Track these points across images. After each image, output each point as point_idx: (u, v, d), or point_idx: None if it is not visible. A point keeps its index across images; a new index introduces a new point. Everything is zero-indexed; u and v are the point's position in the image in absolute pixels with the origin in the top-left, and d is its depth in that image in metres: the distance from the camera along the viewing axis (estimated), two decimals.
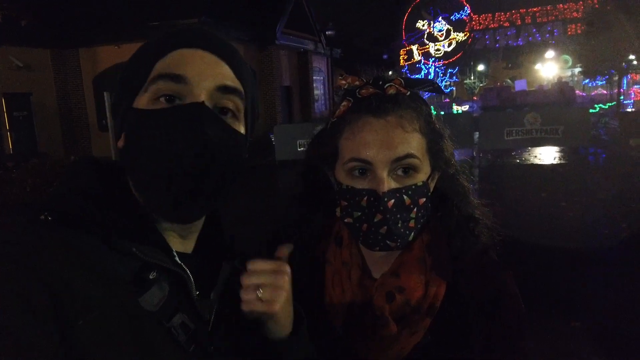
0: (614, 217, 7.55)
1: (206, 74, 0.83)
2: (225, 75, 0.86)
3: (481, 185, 10.41)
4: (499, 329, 0.99)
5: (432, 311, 1.01)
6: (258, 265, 0.91)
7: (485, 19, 42.07)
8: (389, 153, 0.95)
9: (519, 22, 41.37)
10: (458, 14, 41.39)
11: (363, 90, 1.01)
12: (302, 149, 13.81)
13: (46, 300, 0.66)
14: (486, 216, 1.10)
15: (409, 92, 1.01)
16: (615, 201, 8.38)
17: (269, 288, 0.88)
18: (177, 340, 0.80)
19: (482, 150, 14.22)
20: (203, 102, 0.81)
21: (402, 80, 1.01)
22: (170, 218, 0.85)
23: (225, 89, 0.85)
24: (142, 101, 0.82)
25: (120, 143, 0.86)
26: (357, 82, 1.02)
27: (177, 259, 0.84)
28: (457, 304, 1.02)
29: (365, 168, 0.97)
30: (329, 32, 24.77)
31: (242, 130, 0.90)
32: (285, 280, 0.91)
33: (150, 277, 0.79)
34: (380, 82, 1.01)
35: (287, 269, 0.93)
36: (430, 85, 1.05)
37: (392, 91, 1.00)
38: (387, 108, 0.97)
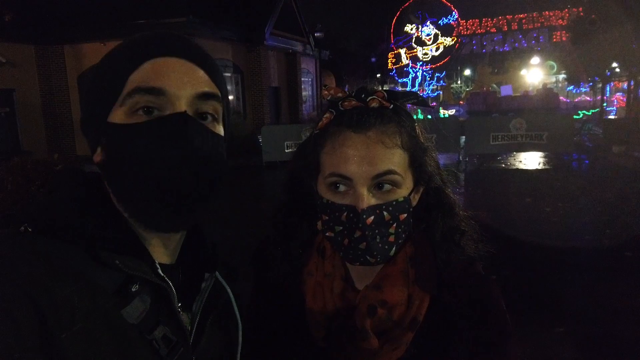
0: (597, 223, 7.66)
1: (184, 83, 0.82)
2: (202, 81, 0.85)
3: (467, 190, 10.50)
4: (484, 342, 0.98)
5: (415, 325, 0.99)
6: None
7: (473, 25, 42.49)
8: (369, 169, 0.93)
9: (505, 28, 41.84)
10: (446, 19, 41.72)
11: (345, 103, 0.99)
12: (289, 150, 13.81)
13: (30, 313, 0.66)
14: (472, 228, 1.08)
15: (392, 106, 0.99)
16: (598, 207, 8.50)
17: None
18: (158, 353, 0.80)
19: (468, 155, 14.35)
20: (185, 111, 0.80)
21: (385, 93, 0.98)
22: (159, 228, 0.84)
23: (204, 96, 0.84)
24: (119, 115, 0.81)
25: (98, 158, 0.84)
26: (340, 94, 1.00)
27: (159, 271, 0.83)
28: (441, 317, 1.00)
29: (345, 183, 0.95)
30: (318, 34, 24.75)
31: (222, 132, 0.90)
32: None
33: (133, 289, 0.78)
34: (363, 95, 0.98)
35: None
36: (414, 97, 1.02)
37: (374, 104, 0.97)
38: (369, 122, 0.95)
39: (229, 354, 0.97)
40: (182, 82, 0.82)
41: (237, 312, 0.99)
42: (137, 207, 0.81)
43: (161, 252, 0.88)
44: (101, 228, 0.78)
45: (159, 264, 0.84)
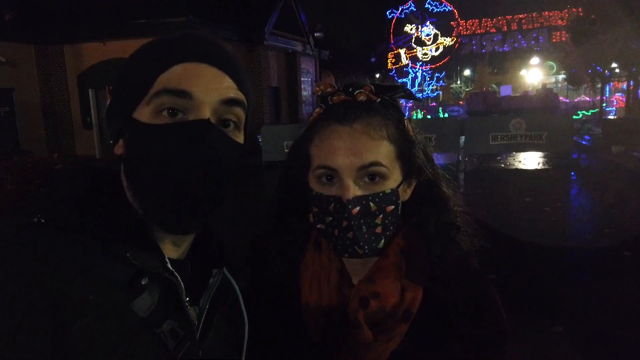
0: (596, 223, 7.67)
1: (210, 89, 0.83)
2: (229, 88, 0.86)
3: (466, 189, 10.50)
4: (480, 340, 0.99)
5: (408, 317, 1.00)
6: None
7: (472, 25, 42.48)
8: (355, 160, 0.94)
9: (505, 28, 41.82)
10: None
11: (334, 97, 1.01)
12: None
13: (41, 306, 0.67)
14: (468, 224, 1.09)
15: (379, 99, 1.00)
16: (597, 207, 8.51)
17: None
18: (166, 347, 0.81)
19: (468, 155, 14.35)
20: (208, 118, 0.82)
21: (373, 87, 1.00)
22: (171, 230, 0.86)
23: (229, 102, 0.86)
24: (144, 113, 0.82)
25: (119, 150, 0.86)
26: (329, 89, 1.03)
27: (169, 265, 0.84)
28: (435, 312, 1.01)
29: (333, 175, 0.97)
30: (318, 34, 24.75)
31: (242, 139, 0.91)
32: None
33: (142, 282, 0.79)
34: (351, 89, 1.01)
35: None
36: (402, 91, 1.04)
37: (361, 98, 1.00)
38: (354, 114, 0.97)
39: (236, 350, 0.98)
40: (208, 88, 0.83)
41: (243, 309, 1.00)
42: (152, 206, 0.82)
43: (171, 247, 0.89)
44: (111, 221, 0.79)
45: (169, 258, 0.85)
